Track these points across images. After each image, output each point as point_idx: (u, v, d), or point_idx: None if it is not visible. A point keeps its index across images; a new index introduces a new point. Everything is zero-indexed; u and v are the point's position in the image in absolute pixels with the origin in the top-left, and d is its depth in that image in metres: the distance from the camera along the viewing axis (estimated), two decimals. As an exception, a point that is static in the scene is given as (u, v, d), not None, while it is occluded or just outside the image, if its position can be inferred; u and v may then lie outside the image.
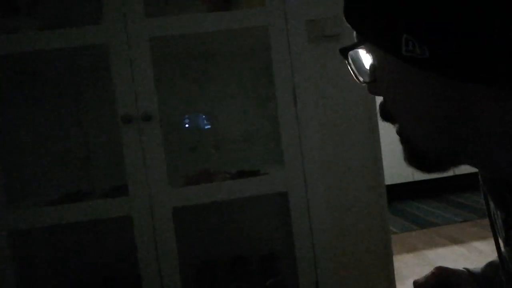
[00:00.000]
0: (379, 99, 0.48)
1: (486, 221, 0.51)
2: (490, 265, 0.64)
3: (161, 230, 1.10)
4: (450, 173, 0.50)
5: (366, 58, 0.46)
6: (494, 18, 0.33)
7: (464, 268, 0.66)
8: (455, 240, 2.87)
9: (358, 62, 0.46)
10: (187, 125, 1.45)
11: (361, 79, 0.46)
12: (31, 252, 1.35)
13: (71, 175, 1.41)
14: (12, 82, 1.37)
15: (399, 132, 0.46)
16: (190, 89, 1.46)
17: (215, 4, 1.19)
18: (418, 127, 0.42)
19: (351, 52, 0.46)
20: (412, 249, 2.90)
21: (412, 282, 0.68)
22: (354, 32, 0.46)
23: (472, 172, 0.49)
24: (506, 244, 0.48)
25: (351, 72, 0.46)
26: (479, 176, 0.50)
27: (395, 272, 1.60)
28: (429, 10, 0.35)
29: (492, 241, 0.50)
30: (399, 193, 3.95)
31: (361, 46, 0.45)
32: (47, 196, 1.32)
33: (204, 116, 1.46)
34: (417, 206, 3.94)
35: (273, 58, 1.13)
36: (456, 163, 0.43)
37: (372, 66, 0.45)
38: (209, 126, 1.46)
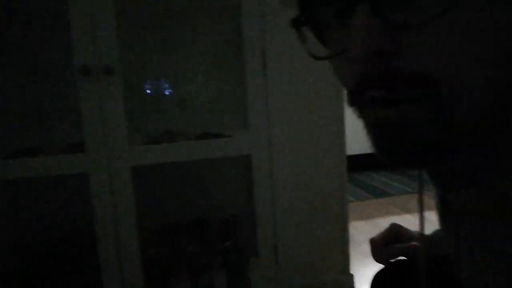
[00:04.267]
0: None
1: (436, 193, 0.52)
2: (440, 230, 0.67)
3: (119, 189, 1.07)
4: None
5: None
6: None
7: (416, 230, 0.69)
8: (407, 210, 3.01)
9: None
10: (148, 91, 1.39)
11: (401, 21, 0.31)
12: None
13: (24, 130, 1.34)
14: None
15: (422, 105, 0.33)
16: (156, 48, 1.39)
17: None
18: (481, 80, 0.32)
19: None
20: (366, 217, 3.02)
21: (365, 247, 0.69)
22: None
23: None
24: (441, 219, 0.49)
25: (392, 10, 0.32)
26: None
27: (350, 238, 1.65)
28: None
29: None
30: (359, 164, 4.07)
31: None
32: (-3, 150, 1.25)
33: (167, 81, 1.40)
34: (374, 177, 4.08)
35: (243, 20, 1.09)
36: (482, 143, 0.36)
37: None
38: (170, 91, 1.41)
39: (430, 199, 0.52)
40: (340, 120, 1.53)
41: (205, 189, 1.46)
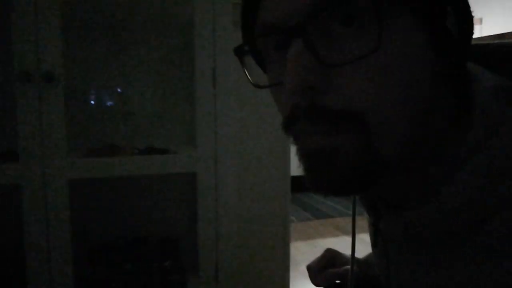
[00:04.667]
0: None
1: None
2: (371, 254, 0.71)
3: (54, 203, 1.01)
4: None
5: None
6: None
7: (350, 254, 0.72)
8: (347, 232, 3.10)
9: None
10: (92, 102, 1.34)
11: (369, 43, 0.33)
12: None
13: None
14: None
15: (349, 130, 0.34)
16: (103, 58, 1.35)
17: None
18: (404, 118, 0.34)
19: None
20: (307, 237, 3.07)
21: (304, 267, 0.73)
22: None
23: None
24: (373, 245, 0.51)
25: (323, 46, 0.34)
26: None
27: (290, 258, 1.67)
28: None
29: None
30: (303, 184, 4.15)
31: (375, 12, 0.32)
32: None
33: (112, 92, 1.36)
34: (317, 198, 4.17)
35: (195, 36, 1.09)
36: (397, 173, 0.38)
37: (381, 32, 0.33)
38: (115, 103, 1.37)
39: (365, 221, 0.55)
40: (285, 141, 1.56)
41: (146, 206, 1.42)
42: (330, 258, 0.72)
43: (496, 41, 0.42)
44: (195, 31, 1.09)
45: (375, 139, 0.34)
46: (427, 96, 0.34)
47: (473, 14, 0.35)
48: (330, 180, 0.36)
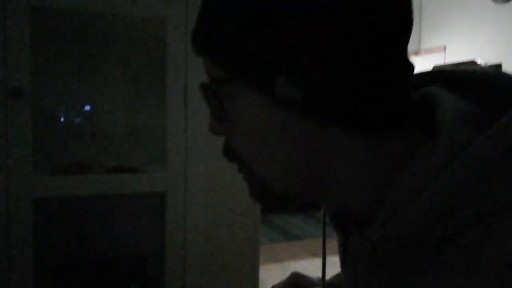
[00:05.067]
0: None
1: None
2: (338, 275, 0.71)
3: (17, 222, 0.97)
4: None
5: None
6: (361, 73, 0.35)
7: (317, 277, 0.72)
8: (315, 253, 3.11)
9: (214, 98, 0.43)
10: (62, 119, 1.32)
11: (218, 116, 0.42)
12: None
13: None
14: None
15: (246, 172, 0.43)
16: (73, 74, 1.33)
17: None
18: (276, 169, 0.41)
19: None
20: (277, 259, 3.06)
21: None
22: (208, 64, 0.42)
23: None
24: (342, 265, 0.52)
25: (211, 110, 0.43)
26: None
27: (259, 281, 1.65)
28: (306, 53, 0.35)
29: None
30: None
31: (227, 84, 0.40)
32: None
33: (82, 109, 1.34)
34: (286, 219, 4.17)
35: (167, 54, 1.10)
36: (303, 199, 0.44)
37: (226, 104, 0.41)
38: (84, 120, 1.35)
39: (335, 244, 0.55)
40: (257, 162, 1.57)
41: (112, 226, 1.38)
42: (296, 281, 0.72)
43: (462, 67, 0.44)
44: (167, 50, 1.09)
45: (260, 178, 0.41)
46: (299, 151, 0.39)
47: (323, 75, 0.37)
48: (257, 195, 0.44)
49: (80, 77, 1.33)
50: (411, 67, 0.40)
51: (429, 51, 4.35)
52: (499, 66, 3.49)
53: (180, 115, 1.11)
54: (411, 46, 4.93)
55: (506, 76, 0.40)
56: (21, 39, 0.96)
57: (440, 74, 0.46)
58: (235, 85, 0.39)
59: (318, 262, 2.88)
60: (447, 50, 4.20)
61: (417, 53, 4.49)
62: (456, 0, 4.07)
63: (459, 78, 0.44)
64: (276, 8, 0.36)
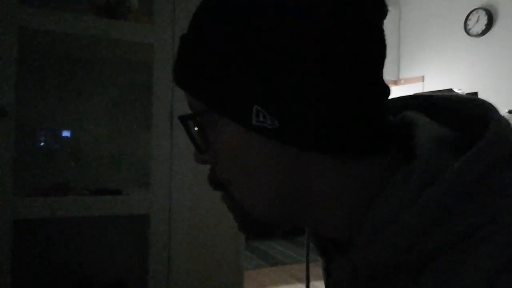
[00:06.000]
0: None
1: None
2: None
3: (-6, 245, 0.95)
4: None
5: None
6: (336, 99, 0.36)
7: None
8: (299, 279, 3.08)
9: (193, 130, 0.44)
10: (42, 143, 1.31)
11: (200, 146, 0.44)
12: None
13: None
14: None
15: (230, 201, 0.45)
16: (56, 95, 1.33)
17: (100, 11, 1.13)
18: (258, 196, 0.42)
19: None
20: (260, 285, 3.01)
21: None
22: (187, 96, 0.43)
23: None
24: None
25: (191, 140, 0.44)
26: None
27: (243, 307, 1.62)
28: (280, 82, 0.36)
29: None
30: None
31: (206, 115, 0.41)
32: None
33: (64, 130, 1.33)
34: (270, 245, 4.14)
35: (154, 78, 1.11)
36: (285, 226, 0.45)
37: (207, 134, 0.43)
38: (66, 142, 1.34)
39: (320, 269, 0.55)
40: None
41: (93, 249, 1.35)
42: None
43: (440, 93, 0.46)
44: (154, 74, 1.11)
45: (243, 205, 0.43)
46: (279, 177, 0.40)
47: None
48: (243, 226, 0.46)
49: (64, 99, 1.33)
50: (387, 91, 0.41)
51: (408, 80, 4.48)
52: (475, 94, 3.61)
53: (165, 138, 1.12)
54: (390, 76, 5.09)
55: (479, 102, 0.41)
56: (7, 58, 0.96)
57: (417, 100, 0.47)
58: (213, 116, 0.41)
59: (302, 287, 2.84)
60: (425, 80, 4.34)
61: (396, 82, 4.62)
62: (433, 33, 4.24)
63: (435, 103, 0.45)
64: (246, 40, 0.37)
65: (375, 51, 0.39)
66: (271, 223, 0.44)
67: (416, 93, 0.48)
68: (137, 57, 1.29)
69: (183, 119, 0.43)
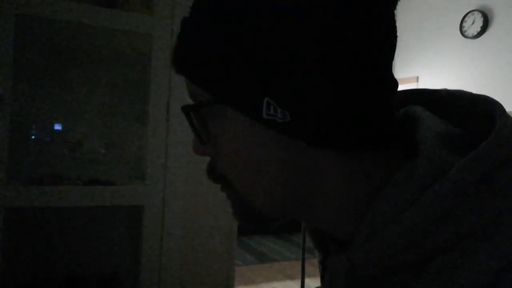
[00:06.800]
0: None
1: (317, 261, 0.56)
2: None
3: (-14, 233, 0.94)
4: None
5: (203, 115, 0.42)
6: (348, 92, 0.36)
7: None
8: (290, 276, 3.08)
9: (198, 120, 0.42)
10: (39, 130, 1.29)
11: (202, 137, 0.42)
12: None
13: None
14: None
15: (230, 192, 0.44)
16: (54, 84, 1.32)
17: (100, 1, 1.12)
18: (262, 189, 0.41)
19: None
20: (251, 282, 3.02)
21: None
22: (190, 84, 0.42)
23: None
24: (321, 282, 0.52)
25: (194, 132, 0.42)
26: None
27: (234, 302, 1.63)
28: (292, 74, 0.35)
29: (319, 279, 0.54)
30: (248, 227, 4.12)
31: (211, 105, 0.40)
32: None
33: (58, 121, 1.32)
34: (261, 241, 4.14)
35: (152, 69, 1.10)
36: (286, 219, 0.44)
37: (209, 125, 0.41)
38: (60, 132, 1.32)
39: (311, 267, 0.55)
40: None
41: (86, 240, 1.35)
42: None
43: (444, 89, 0.45)
44: (152, 65, 1.10)
45: (244, 197, 0.42)
46: (284, 171, 0.40)
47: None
48: (243, 216, 0.45)
49: (60, 89, 1.32)
50: (396, 84, 0.41)
51: (403, 81, 4.50)
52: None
53: (161, 131, 1.11)
54: (386, 75, 5.11)
55: (485, 99, 0.41)
56: (4, 45, 0.95)
57: (421, 94, 0.46)
58: (219, 107, 0.39)
59: (292, 284, 2.85)
60: (419, 81, 4.36)
61: (391, 82, 4.63)
62: (428, 34, 4.25)
63: (440, 99, 0.44)
64: (260, 29, 0.36)
65: (387, 41, 0.39)
66: (271, 216, 0.43)
67: (421, 88, 0.47)
68: (135, 48, 1.28)
69: (187, 109, 0.41)
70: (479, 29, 3.72)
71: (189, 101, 0.43)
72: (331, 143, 0.37)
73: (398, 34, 0.41)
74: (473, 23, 3.78)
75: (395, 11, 0.40)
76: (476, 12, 3.75)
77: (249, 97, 0.36)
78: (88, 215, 1.31)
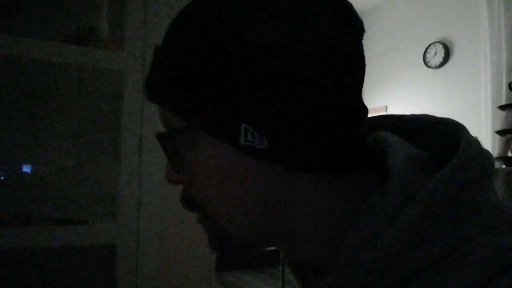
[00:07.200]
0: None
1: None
2: None
3: None
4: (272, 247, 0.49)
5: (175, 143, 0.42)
6: (324, 118, 0.37)
7: None
8: (271, 311, 3.01)
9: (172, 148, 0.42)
10: (7, 171, 1.26)
11: (176, 165, 0.42)
12: None
13: None
14: None
15: (206, 221, 0.43)
16: (21, 123, 1.29)
17: (70, 39, 1.12)
18: (239, 218, 0.40)
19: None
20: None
21: None
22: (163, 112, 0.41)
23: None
24: None
25: (169, 160, 0.42)
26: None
27: None
28: (269, 101, 0.35)
29: None
30: (226, 263, 4.03)
31: (186, 133, 0.39)
32: None
33: (28, 161, 1.28)
34: (242, 277, 4.06)
35: (124, 104, 1.10)
36: (264, 247, 0.43)
37: (182, 153, 0.41)
38: (30, 172, 1.29)
39: None
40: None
41: (55, 283, 1.29)
42: None
43: (410, 114, 0.47)
44: (123, 100, 1.10)
45: (220, 226, 0.41)
46: (262, 197, 0.39)
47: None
48: (217, 246, 0.44)
49: (29, 126, 1.29)
50: (366, 111, 0.42)
51: (372, 110, 4.62)
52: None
53: (134, 167, 1.10)
54: (356, 105, 5.24)
55: (450, 122, 0.42)
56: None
57: (389, 120, 0.48)
58: (195, 134, 0.39)
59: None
60: (388, 110, 4.49)
61: (362, 111, 4.75)
62: (395, 64, 4.43)
63: (406, 124, 0.46)
64: (235, 56, 0.36)
65: (357, 69, 0.40)
66: (249, 245, 0.42)
67: (388, 114, 0.49)
68: (107, 84, 1.28)
69: (161, 137, 0.41)
70: (441, 60, 3.90)
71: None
72: (309, 167, 0.37)
73: (366, 65, 0.42)
74: (435, 54, 3.96)
75: (363, 43, 0.42)
76: (437, 44, 3.94)
77: (226, 123, 0.36)
78: (60, 256, 1.26)
